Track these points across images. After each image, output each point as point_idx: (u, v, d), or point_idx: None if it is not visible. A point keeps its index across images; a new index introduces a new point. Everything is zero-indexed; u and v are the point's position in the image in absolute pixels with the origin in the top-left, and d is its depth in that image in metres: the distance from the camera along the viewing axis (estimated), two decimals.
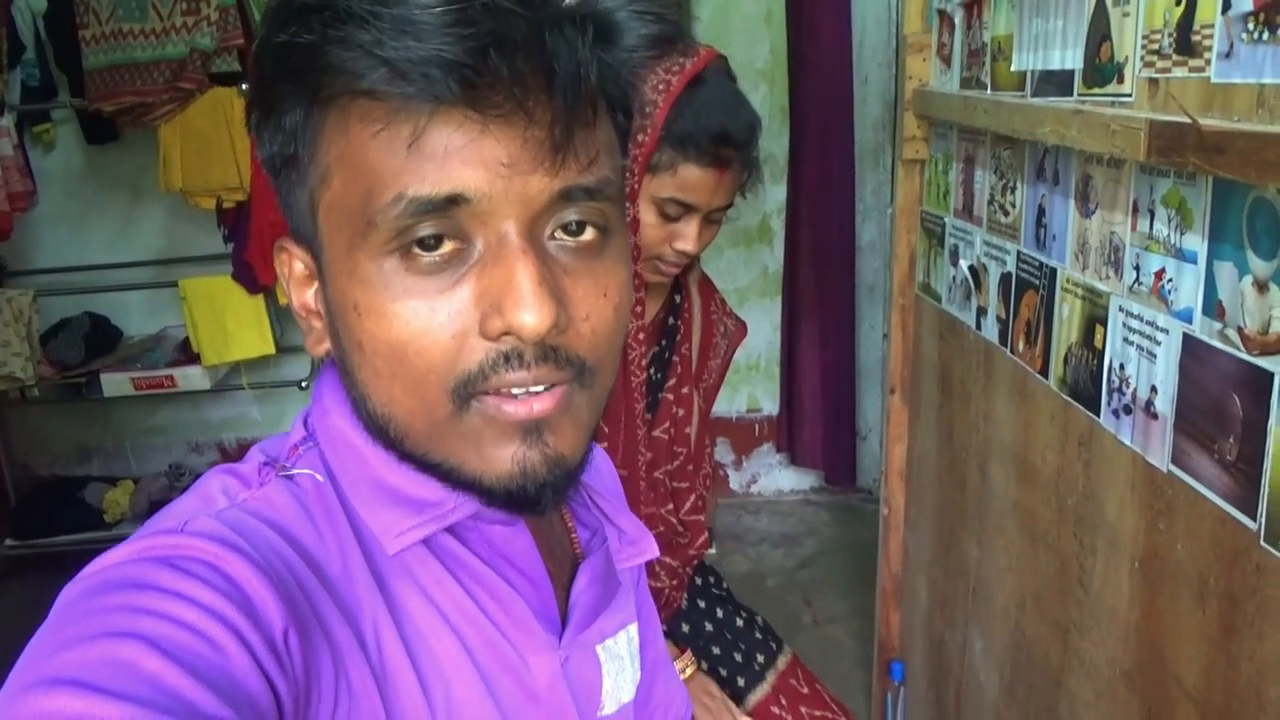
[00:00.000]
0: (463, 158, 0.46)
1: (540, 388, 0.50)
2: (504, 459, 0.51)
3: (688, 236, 1.17)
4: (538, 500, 0.52)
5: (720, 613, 1.42)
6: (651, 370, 1.33)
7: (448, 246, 0.48)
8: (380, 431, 0.54)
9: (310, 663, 0.48)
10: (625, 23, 0.50)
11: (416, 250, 0.47)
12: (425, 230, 0.47)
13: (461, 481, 0.53)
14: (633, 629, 0.71)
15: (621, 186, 0.53)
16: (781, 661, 1.41)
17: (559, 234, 0.50)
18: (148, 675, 0.41)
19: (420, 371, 0.49)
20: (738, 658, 1.38)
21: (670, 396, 1.33)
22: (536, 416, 0.50)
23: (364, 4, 0.44)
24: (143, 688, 0.40)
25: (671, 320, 1.34)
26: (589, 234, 0.51)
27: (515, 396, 0.50)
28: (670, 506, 1.35)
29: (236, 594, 0.46)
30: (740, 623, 1.42)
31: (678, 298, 1.35)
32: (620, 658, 0.68)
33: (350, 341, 0.51)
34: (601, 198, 0.50)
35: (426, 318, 0.48)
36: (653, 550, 0.70)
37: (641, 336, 1.27)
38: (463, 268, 0.48)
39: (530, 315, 0.46)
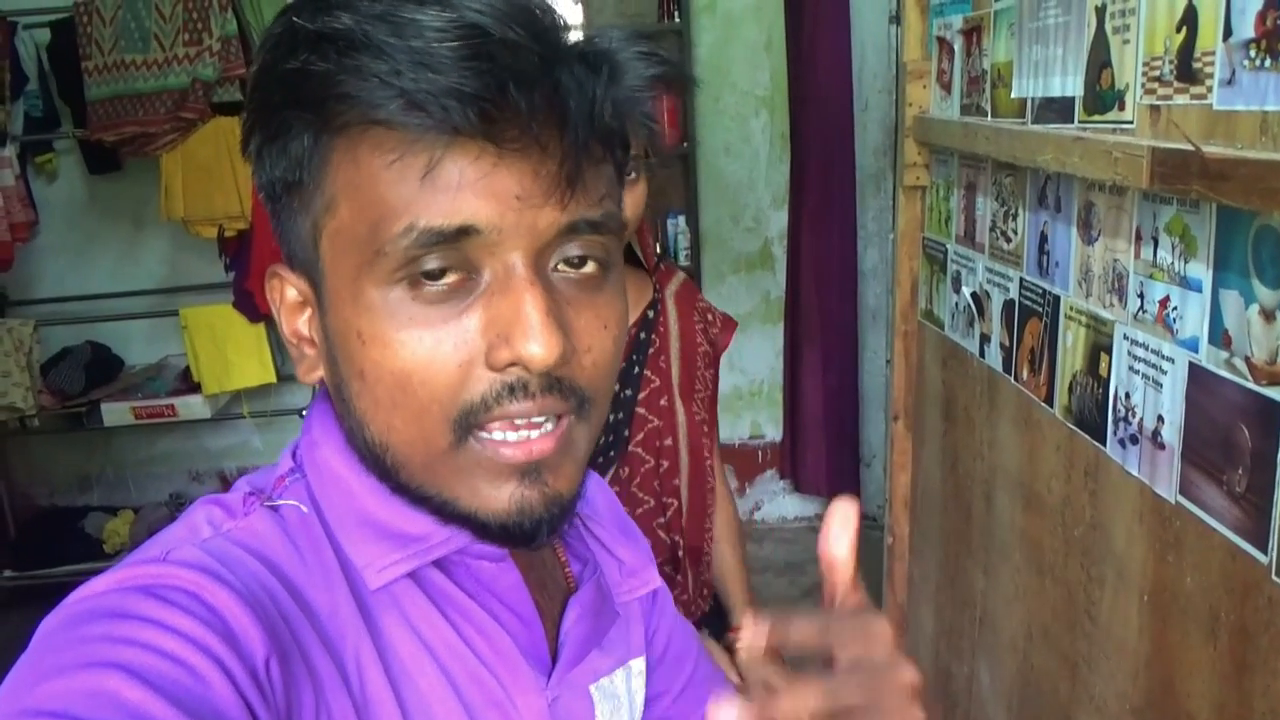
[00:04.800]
0: (475, 190, 0.46)
1: (541, 418, 0.50)
2: (501, 497, 0.51)
3: None
4: (533, 536, 0.52)
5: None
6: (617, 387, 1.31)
7: (454, 276, 0.48)
8: (375, 461, 0.53)
9: (291, 692, 0.48)
10: (628, 63, 0.51)
11: (423, 279, 0.48)
12: (434, 261, 0.47)
13: (456, 515, 0.53)
14: (636, 664, 0.69)
15: (621, 221, 0.53)
16: None
17: (562, 266, 0.50)
18: (130, 705, 0.41)
19: (424, 401, 0.49)
20: None
21: (642, 410, 1.32)
22: (535, 459, 0.50)
23: (379, 34, 0.44)
24: (124, 718, 0.40)
25: (644, 334, 1.34)
26: (590, 267, 0.51)
27: (515, 432, 0.50)
28: (661, 520, 1.34)
29: (218, 623, 0.46)
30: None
31: (651, 313, 1.34)
32: (616, 697, 0.66)
33: (351, 370, 0.51)
34: (605, 231, 0.51)
35: (432, 347, 0.48)
36: (655, 580, 0.69)
37: None
38: (469, 297, 0.48)
39: (539, 346, 0.47)
